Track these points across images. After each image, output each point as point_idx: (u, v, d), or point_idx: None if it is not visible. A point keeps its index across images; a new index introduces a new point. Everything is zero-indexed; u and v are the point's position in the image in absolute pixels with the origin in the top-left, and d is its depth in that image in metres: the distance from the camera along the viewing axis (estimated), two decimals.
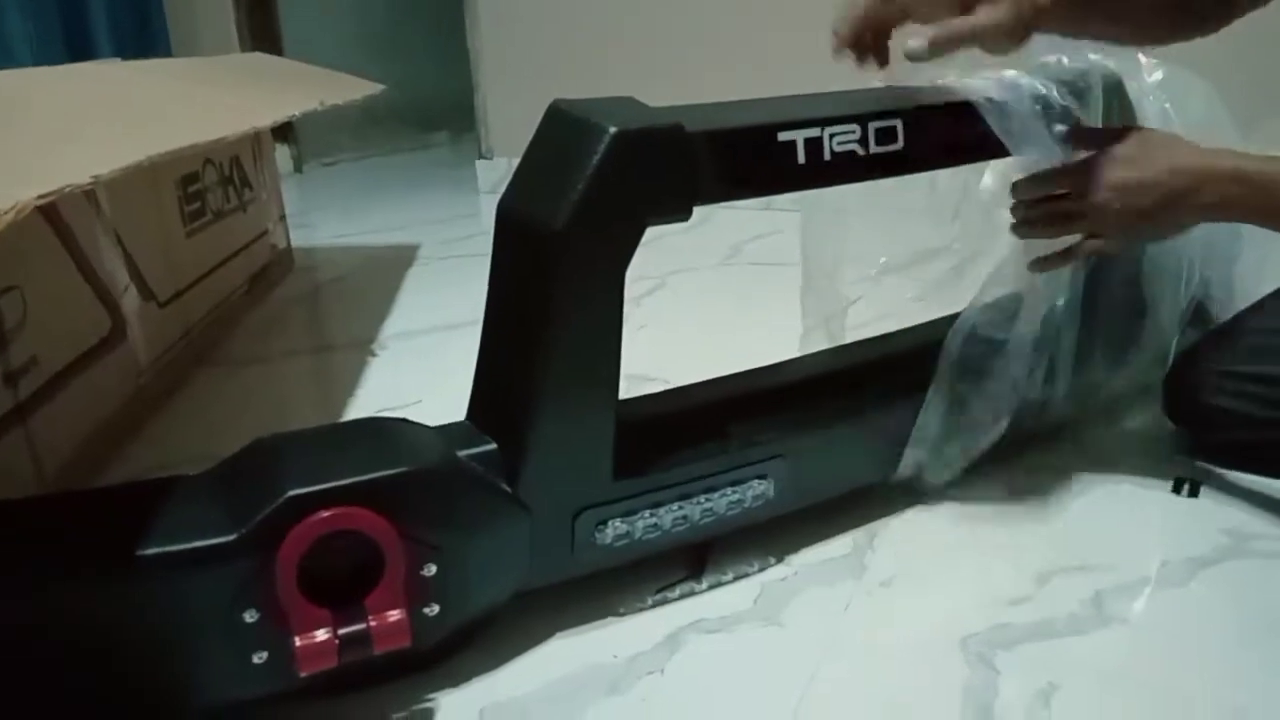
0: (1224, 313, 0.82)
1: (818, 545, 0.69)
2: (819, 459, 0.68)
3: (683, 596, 0.64)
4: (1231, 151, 0.65)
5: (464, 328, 1.15)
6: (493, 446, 0.58)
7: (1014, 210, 0.70)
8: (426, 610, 0.54)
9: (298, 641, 0.49)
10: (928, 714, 0.53)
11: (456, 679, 0.57)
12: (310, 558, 0.50)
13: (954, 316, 0.74)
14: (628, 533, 0.61)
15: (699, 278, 1.35)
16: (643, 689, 0.56)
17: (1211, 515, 0.72)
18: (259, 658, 0.50)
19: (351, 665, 0.50)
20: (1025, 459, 0.79)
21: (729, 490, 0.64)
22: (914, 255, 0.90)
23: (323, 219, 1.87)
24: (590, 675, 0.57)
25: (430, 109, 2.72)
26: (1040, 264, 0.70)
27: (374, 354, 1.11)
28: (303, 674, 0.49)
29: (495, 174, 2.03)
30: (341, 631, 0.50)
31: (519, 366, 0.58)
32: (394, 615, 0.51)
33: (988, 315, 0.74)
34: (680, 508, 0.62)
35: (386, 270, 1.47)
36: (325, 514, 0.50)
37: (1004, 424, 0.73)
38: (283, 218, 1.47)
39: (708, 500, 0.63)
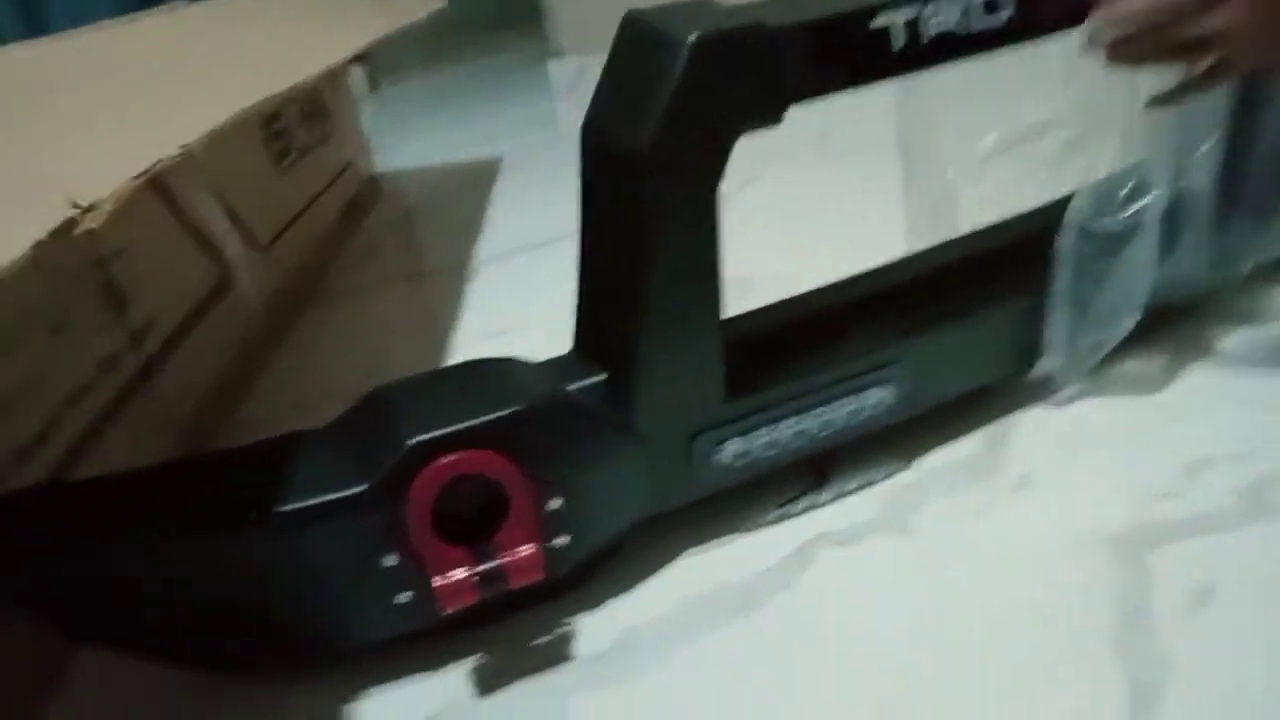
0: None
1: (945, 447, 0.67)
2: (939, 362, 0.65)
3: (806, 510, 0.63)
4: None
5: (554, 244, 1.13)
6: (602, 377, 0.57)
7: (1100, 32, 0.57)
8: (557, 542, 0.54)
9: (437, 581, 0.50)
10: (1078, 619, 0.52)
11: (591, 604, 0.58)
12: (440, 501, 0.50)
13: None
14: (746, 451, 0.60)
15: (792, 170, 1.30)
16: (776, 605, 0.56)
17: None
18: (402, 598, 0.52)
19: (490, 599, 0.52)
20: (1163, 340, 0.74)
21: (847, 400, 0.62)
22: (1024, 131, 0.84)
23: (402, 139, 1.85)
24: (721, 593, 0.57)
25: (495, 8, 2.64)
26: (1162, 99, 0.62)
27: (468, 280, 1.11)
28: (445, 612, 0.51)
29: (568, 73, 1.97)
30: (478, 569, 0.51)
31: (619, 294, 0.56)
32: (526, 550, 0.52)
33: (1101, 201, 0.67)
34: (798, 421, 0.61)
35: (471, 187, 1.45)
36: (447, 459, 0.50)
37: (1137, 314, 0.68)
38: (365, 145, 1.46)
39: (826, 412, 0.61)
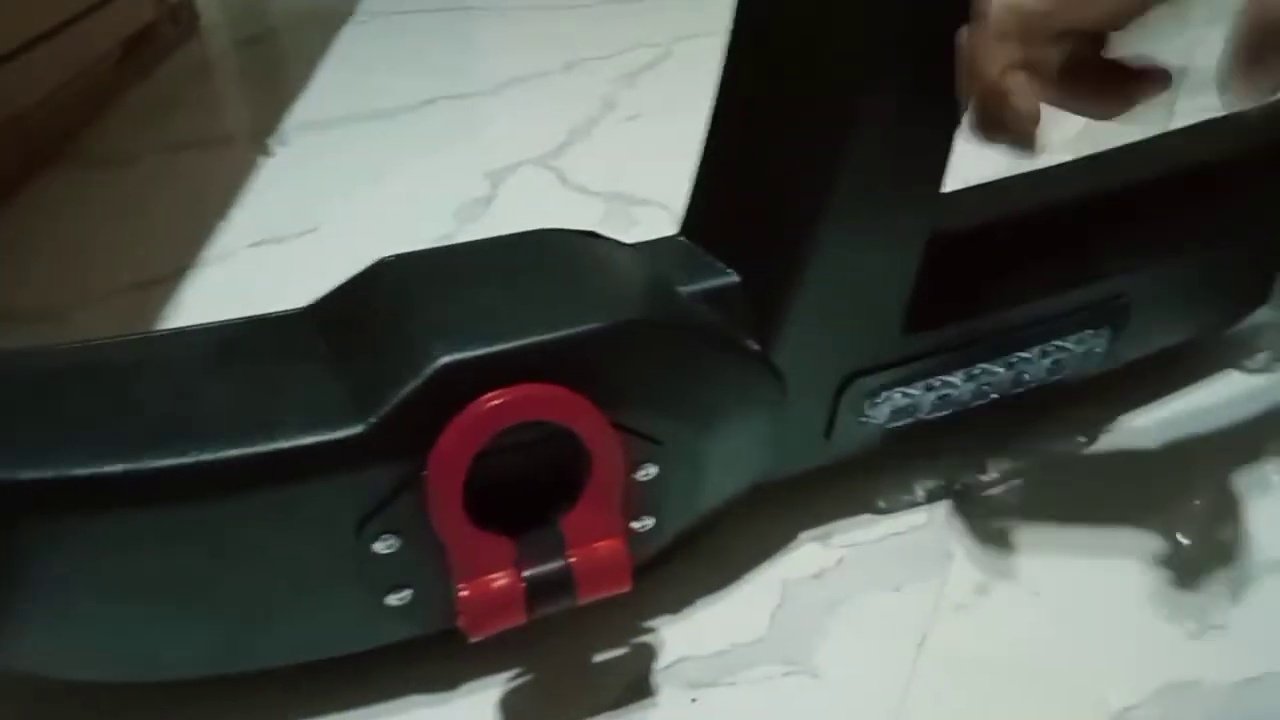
0: None
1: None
2: (1165, 301, 0.47)
3: (966, 489, 0.46)
4: None
5: (393, 117, 0.86)
6: (734, 279, 0.37)
7: None
8: (636, 525, 0.36)
9: (464, 590, 0.31)
10: None
11: (676, 605, 0.40)
12: (479, 462, 0.31)
13: None
14: (910, 408, 0.41)
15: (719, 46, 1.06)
16: None
17: None
18: (398, 599, 0.33)
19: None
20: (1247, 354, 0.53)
21: (1051, 345, 0.43)
22: None
23: None
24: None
25: None
26: None
27: (269, 152, 0.81)
28: (473, 637, 0.32)
29: None
30: (529, 573, 0.32)
31: (791, 147, 0.36)
32: (607, 545, 0.33)
33: None
34: (985, 371, 0.42)
35: (315, 30, 1.10)
36: (507, 397, 0.30)
37: None
38: None
39: (1023, 360, 0.43)
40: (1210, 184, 0.49)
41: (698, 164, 0.39)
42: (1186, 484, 0.46)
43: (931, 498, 0.45)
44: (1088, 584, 0.41)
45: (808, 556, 0.42)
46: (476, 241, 0.37)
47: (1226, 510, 0.44)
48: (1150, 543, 0.43)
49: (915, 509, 0.45)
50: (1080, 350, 0.44)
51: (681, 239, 0.40)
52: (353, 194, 0.76)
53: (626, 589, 0.33)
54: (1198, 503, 0.45)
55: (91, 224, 0.71)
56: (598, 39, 1.05)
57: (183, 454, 0.29)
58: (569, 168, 0.78)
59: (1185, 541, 0.43)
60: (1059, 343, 0.43)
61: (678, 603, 0.40)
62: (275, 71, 1.04)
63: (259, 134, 0.85)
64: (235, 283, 0.64)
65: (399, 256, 0.35)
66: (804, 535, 0.43)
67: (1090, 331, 0.44)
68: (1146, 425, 0.49)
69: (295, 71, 1.00)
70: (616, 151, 0.81)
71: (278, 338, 0.34)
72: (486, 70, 1.00)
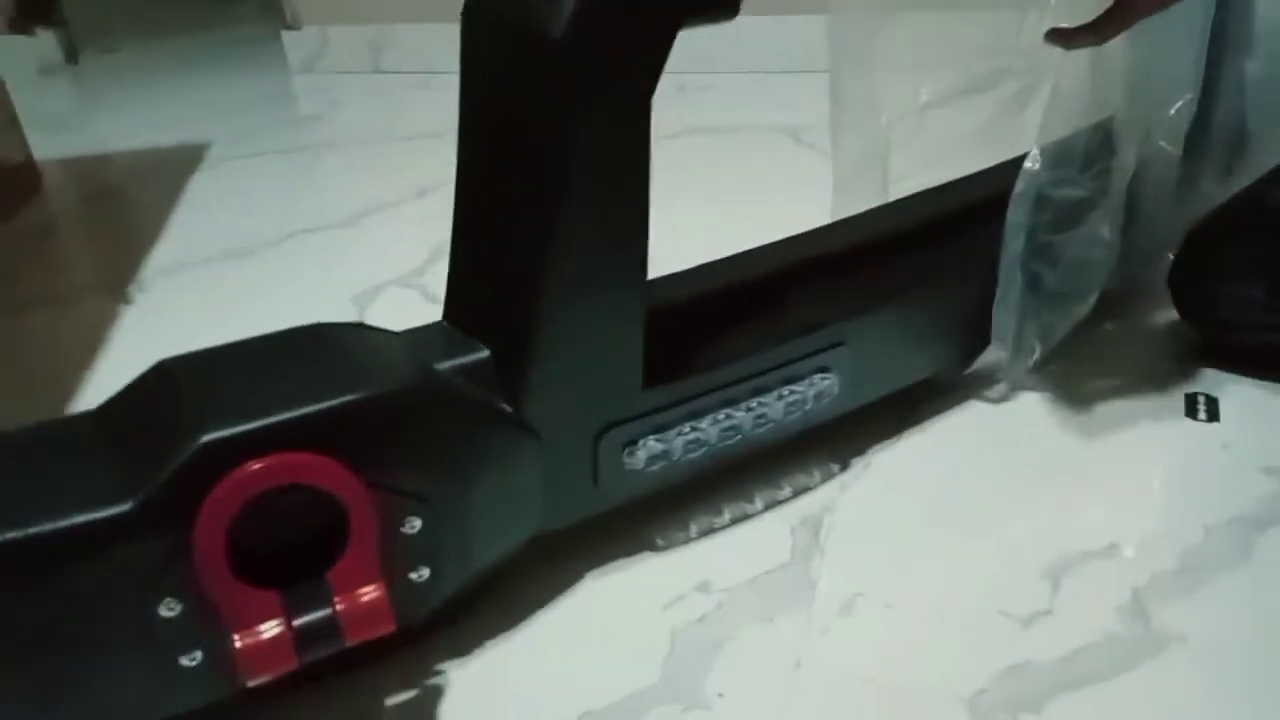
0: None
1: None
2: (888, 344, 0.55)
3: (734, 521, 0.52)
4: None
5: (252, 254, 0.92)
6: (484, 354, 0.43)
7: None
8: (414, 575, 0.41)
9: (238, 641, 0.35)
10: None
11: (463, 649, 0.44)
12: (244, 525, 0.36)
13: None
14: (664, 452, 0.47)
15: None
16: None
17: (1244, 447, 0.55)
18: (188, 661, 0.37)
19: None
20: (988, 386, 0.61)
21: (785, 390, 0.50)
22: (969, 81, 0.74)
23: (97, 119, 1.52)
24: None
25: None
26: (1059, 36, 0.52)
27: (129, 300, 0.85)
28: (249, 682, 0.36)
29: (307, 47, 1.68)
30: (298, 621, 0.36)
31: (513, 240, 0.43)
32: (369, 592, 0.37)
33: (1059, 162, 0.59)
34: (728, 416, 0.49)
35: (163, 179, 1.15)
36: (257, 465, 0.35)
37: (1095, 295, 0.60)
38: (15, 124, 1.12)
39: (761, 404, 0.50)
40: (918, 242, 0.58)
41: (450, 259, 0.46)
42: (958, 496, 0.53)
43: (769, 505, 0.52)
44: (930, 592, 0.47)
45: (691, 605, 0.47)
46: (253, 338, 0.42)
47: (1031, 513, 0.52)
48: (977, 548, 0.50)
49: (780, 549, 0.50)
50: (813, 391, 0.51)
51: (443, 324, 0.46)
52: (221, 331, 0.78)
53: (391, 629, 0.38)
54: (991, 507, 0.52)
55: None
56: (446, 166, 1.13)
57: None
58: (432, 284, 0.83)
59: (1010, 541, 0.50)
60: (792, 386, 0.50)
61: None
62: (126, 223, 1.07)
63: (117, 284, 0.88)
64: None
65: (178, 357, 0.40)
66: (685, 585, 0.49)
67: (819, 375, 0.51)
68: (901, 453, 0.57)
69: (147, 221, 1.03)
70: None
71: (63, 438, 0.38)
72: (341, 203, 1.06)
